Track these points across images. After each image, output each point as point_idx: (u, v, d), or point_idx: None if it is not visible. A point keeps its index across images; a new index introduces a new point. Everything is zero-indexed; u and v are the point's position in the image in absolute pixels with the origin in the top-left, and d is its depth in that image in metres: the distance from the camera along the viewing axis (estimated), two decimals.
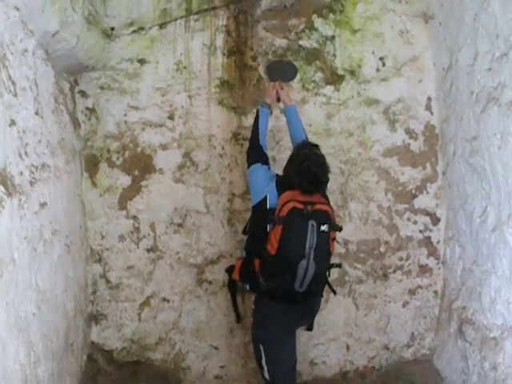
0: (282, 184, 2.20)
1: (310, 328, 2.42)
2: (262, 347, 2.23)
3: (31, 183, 2.03)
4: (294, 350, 2.34)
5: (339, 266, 2.43)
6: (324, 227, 2.04)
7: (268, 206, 2.17)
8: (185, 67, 3.00)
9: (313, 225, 2.01)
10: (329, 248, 2.11)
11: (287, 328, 2.25)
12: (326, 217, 2.08)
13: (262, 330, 2.24)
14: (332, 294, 2.98)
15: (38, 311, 2.03)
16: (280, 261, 2.04)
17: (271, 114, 2.58)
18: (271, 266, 2.09)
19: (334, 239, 2.17)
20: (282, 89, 2.65)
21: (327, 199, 2.29)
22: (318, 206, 2.08)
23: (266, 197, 2.19)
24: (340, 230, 2.22)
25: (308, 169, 2.10)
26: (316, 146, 2.29)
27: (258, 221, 2.23)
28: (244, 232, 2.42)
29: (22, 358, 1.82)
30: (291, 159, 2.25)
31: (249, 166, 2.38)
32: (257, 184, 2.28)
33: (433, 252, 3.13)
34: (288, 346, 2.28)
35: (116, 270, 2.99)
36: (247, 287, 2.32)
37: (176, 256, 3.03)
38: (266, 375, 2.26)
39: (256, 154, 2.38)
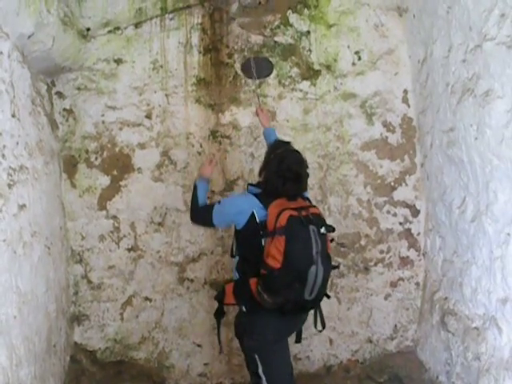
0: (265, 191, 2.11)
1: (298, 340, 2.30)
2: (257, 357, 2.11)
3: (9, 186, 2.03)
4: (290, 357, 2.27)
5: (338, 267, 2.39)
6: (322, 230, 2.01)
7: (258, 220, 2.05)
8: (161, 66, 3.02)
9: (314, 230, 1.97)
10: (328, 250, 2.06)
11: (284, 337, 2.19)
12: (321, 219, 2.06)
13: (258, 341, 2.12)
14: None
15: (19, 314, 2.03)
16: (288, 272, 1.94)
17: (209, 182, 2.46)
18: (277, 280, 1.96)
19: (331, 240, 2.15)
20: (262, 111, 2.70)
21: (310, 201, 2.24)
22: (311, 210, 2.04)
23: (253, 213, 2.06)
24: (334, 230, 2.15)
25: (289, 167, 2.05)
26: (288, 143, 2.24)
27: (249, 240, 2.09)
28: (232, 255, 2.26)
29: (3, 361, 1.82)
30: (268, 162, 2.16)
31: (211, 213, 2.18)
32: (237, 207, 2.14)
33: (413, 244, 3.13)
34: (285, 353, 2.21)
35: (97, 271, 3.00)
36: (243, 308, 2.16)
37: (157, 255, 3.03)
38: None
39: (206, 205, 2.27)
